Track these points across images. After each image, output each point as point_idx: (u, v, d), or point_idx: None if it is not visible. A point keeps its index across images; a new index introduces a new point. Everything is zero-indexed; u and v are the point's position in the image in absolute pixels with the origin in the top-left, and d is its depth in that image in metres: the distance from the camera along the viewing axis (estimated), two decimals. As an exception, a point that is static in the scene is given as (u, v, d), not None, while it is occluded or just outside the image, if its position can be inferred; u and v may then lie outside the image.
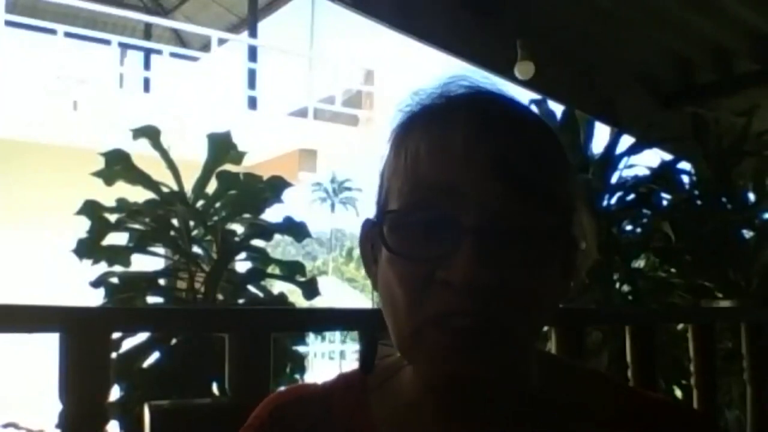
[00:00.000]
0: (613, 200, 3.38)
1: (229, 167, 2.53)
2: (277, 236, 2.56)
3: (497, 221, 0.57)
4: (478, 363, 0.57)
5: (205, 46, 9.80)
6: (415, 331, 0.59)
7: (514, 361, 0.60)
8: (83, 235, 2.33)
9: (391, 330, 0.62)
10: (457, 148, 0.59)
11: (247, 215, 2.49)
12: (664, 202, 3.51)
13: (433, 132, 0.61)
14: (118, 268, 2.34)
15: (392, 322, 0.61)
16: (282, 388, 0.80)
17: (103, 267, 2.34)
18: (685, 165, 3.68)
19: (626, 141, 3.47)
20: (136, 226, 2.41)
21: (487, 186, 0.58)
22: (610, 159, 3.41)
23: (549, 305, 0.62)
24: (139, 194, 2.44)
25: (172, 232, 2.44)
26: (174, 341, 2.25)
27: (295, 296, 2.60)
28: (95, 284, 2.29)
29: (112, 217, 2.38)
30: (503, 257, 0.57)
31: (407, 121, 0.65)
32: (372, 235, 0.65)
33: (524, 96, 3.97)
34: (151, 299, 2.41)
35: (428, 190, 0.59)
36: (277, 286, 2.63)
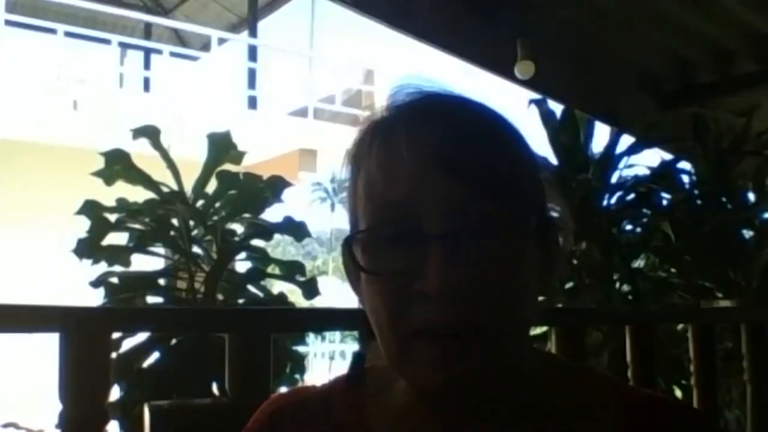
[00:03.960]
0: (613, 200, 3.38)
1: (229, 167, 2.53)
2: (277, 236, 2.56)
3: (459, 223, 0.57)
4: (467, 370, 0.57)
5: (205, 46, 9.80)
6: (401, 346, 0.59)
7: (504, 359, 0.60)
8: (83, 235, 2.33)
9: (381, 345, 0.62)
10: (405, 160, 0.59)
11: (247, 215, 2.49)
12: (664, 202, 3.51)
13: (384, 146, 0.61)
14: (118, 268, 2.34)
15: (379, 338, 0.62)
16: (282, 390, 0.80)
17: (103, 267, 2.34)
18: (685, 165, 3.68)
19: (626, 141, 3.47)
20: (136, 226, 2.41)
21: (442, 190, 0.57)
22: (610, 159, 3.41)
23: (531, 295, 0.62)
24: (139, 194, 2.43)
25: (172, 232, 2.44)
26: (174, 341, 2.25)
27: (295, 296, 2.60)
28: (95, 284, 2.29)
29: (112, 217, 2.38)
30: (474, 257, 0.57)
31: (360, 139, 0.65)
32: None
33: (524, 96, 3.98)
34: (151, 299, 2.41)
35: (388, 207, 0.59)
36: (277, 286, 2.63)
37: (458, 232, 0.57)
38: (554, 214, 0.65)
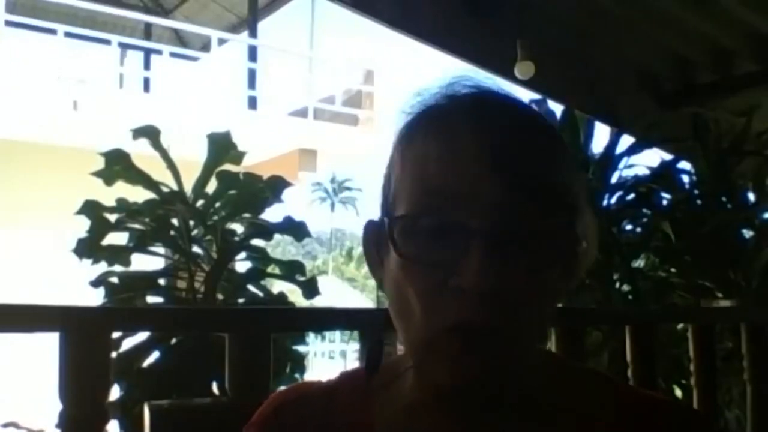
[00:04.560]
0: (613, 200, 3.38)
1: (229, 167, 2.53)
2: (277, 236, 2.56)
3: (505, 224, 0.57)
4: (489, 367, 0.58)
5: (205, 46, 9.80)
6: (429, 338, 0.59)
7: (520, 360, 0.60)
8: (83, 235, 2.33)
9: (404, 334, 0.61)
10: (463, 152, 0.59)
11: (247, 215, 2.49)
12: (664, 202, 3.51)
13: (439, 135, 0.61)
14: (118, 268, 2.34)
15: (405, 327, 0.61)
16: (286, 386, 0.80)
17: (103, 267, 2.34)
18: (685, 165, 3.68)
19: (626, 141, 3.47)
20: (136, 226, 2.41)
21: (493, 189, 0.57)
22: (610, 159, 3.41)
23: (554, 303, 0.62)
24: (139, 194, 2.43)
25: (172, 232, 2.44)
26: (174, 341, 2.25)
27: (295, 296, 2.60)
28: (95, 284, 2.29)
29: (112, 217, 2.38)
30: (512, 260, 0.57)
31: (412, 122, 0.64)
32: (377, 237, 0.65)
33: (524, 96, 3.98)
34: (151, 299, 2.41)
35: (436, 195, 0.59)
36: (277, 286, 2.63)
37: (501, 232, 0.57)
38: (583, 229, 0.64)
